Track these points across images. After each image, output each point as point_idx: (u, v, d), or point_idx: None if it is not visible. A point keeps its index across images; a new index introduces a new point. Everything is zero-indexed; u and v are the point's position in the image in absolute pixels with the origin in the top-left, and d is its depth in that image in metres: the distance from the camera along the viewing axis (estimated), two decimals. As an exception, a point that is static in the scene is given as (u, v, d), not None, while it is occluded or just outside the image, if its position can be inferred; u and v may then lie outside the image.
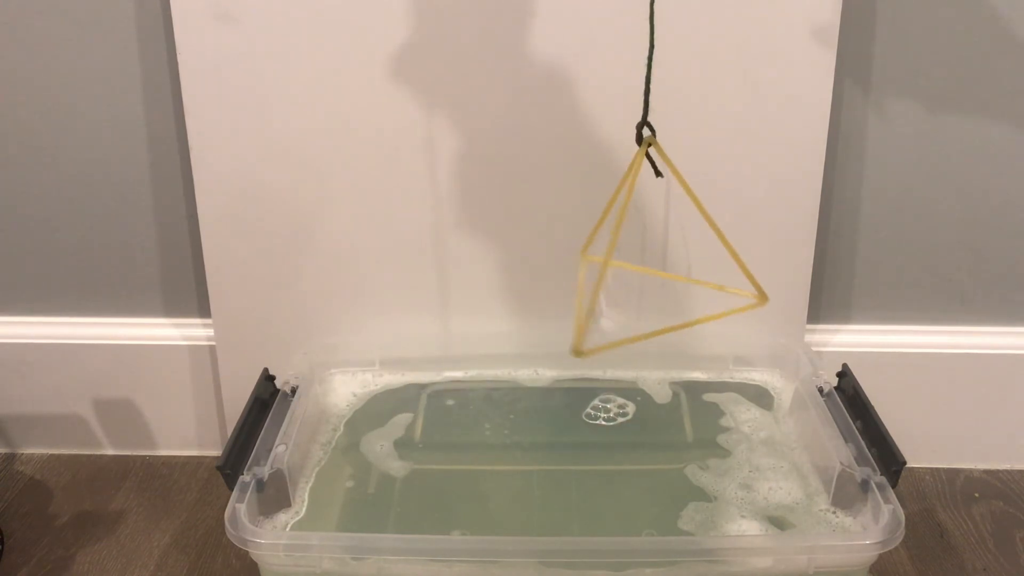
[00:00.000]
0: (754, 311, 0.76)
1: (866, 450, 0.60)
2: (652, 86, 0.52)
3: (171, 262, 0.80)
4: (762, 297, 0.54)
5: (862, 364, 0.69)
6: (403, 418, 0.70)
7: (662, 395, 0.73)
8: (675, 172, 0.54)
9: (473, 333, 0.76)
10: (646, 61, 0.51)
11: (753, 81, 0.68)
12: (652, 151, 0.54)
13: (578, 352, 0.50)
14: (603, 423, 0.70)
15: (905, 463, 0.57)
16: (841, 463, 0.58)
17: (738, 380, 0.74)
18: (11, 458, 0.85)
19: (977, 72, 0.70)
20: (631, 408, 0.71)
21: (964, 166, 0.73)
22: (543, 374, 0.75)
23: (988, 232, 0.76)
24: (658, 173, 0.56)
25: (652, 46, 0.51)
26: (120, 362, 0.81)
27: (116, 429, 0.84)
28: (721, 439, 0.67)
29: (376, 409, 0.71)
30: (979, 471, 0.82)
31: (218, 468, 0.58)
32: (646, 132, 0.53)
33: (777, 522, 0.59)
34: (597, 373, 0.75)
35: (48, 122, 0.74)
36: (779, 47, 0.67)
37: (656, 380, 0.74)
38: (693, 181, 0.69)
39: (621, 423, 0.70)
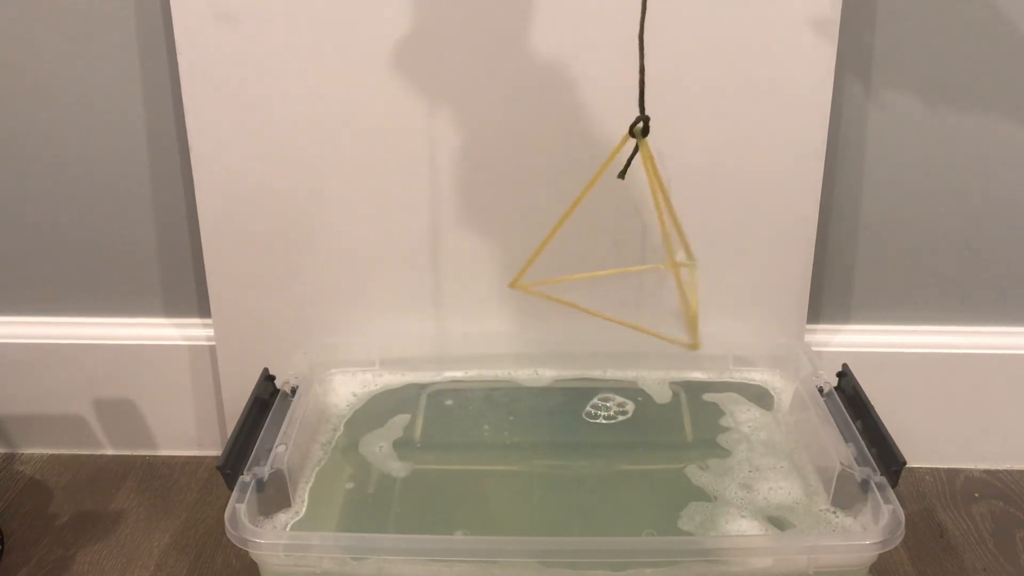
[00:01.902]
0: (754, 311, 0.76)
1: (866, 450, 0.60)
2: (651, 86, 0.52)
3: (171, 262, 0.80)
4: (693, 346, 0.56)
5: (862, 364, 0.69)
6: (403, 418, 0.70)
7: (662, 395, 0.73)
8: (651, 167, 0.55)
9: (473, 333, 0.76)
10: (638, 57, 0.51)
11: (753, 81, 0.68)
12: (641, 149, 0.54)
13: (514, 285, 0.57)
14: (603, 421, 0.70)
15: (905, 463, 0.57)
16: (841, 463, 0.58)
17: (738, 380, 0.74)
18: (11, 458, 0.85)
19: (978, 71, 0.70)
20: (630, 406, 0.71)
21: (964, 165, 0.73)
22: (543, 374, 0.75)
23: (988, 232, 0.76)
24: (622, 175, 0.56)
25: (642, 46, 0.51)
26: (120, 362, 0.81)
27: (116, 429, 0.84)
28: (721, 439, 0.67)
29: (376, 409, 0.71)
30: (979, 471, 0.82)
31: (218, 468, 0.58)
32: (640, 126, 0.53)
33: (777, 522, 0.59)
34: (597, 373, 0.75)
35: (48, 122, 0.74)
36: (779, 45, 0.67)
37: (656, 380, 0.74)
38: (693, 180, 0.69)
39: (621, 421, 0.70)
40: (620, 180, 0.57)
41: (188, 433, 0.84)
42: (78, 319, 0.82)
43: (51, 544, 0.74)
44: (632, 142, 0.54)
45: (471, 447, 0.69)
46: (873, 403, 0.63)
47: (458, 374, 0.75)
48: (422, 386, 0.74)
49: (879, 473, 0.57)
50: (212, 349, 0.80)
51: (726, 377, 0.74)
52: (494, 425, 0.70)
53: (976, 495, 0.79)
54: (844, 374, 0.67)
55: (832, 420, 0.63)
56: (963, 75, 0.71)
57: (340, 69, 0.68)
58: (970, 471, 0.82)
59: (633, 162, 0.56)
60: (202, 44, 0.68)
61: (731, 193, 0.71)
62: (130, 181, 0.76)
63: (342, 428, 0.69)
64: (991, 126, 0.72)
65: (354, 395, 0.73)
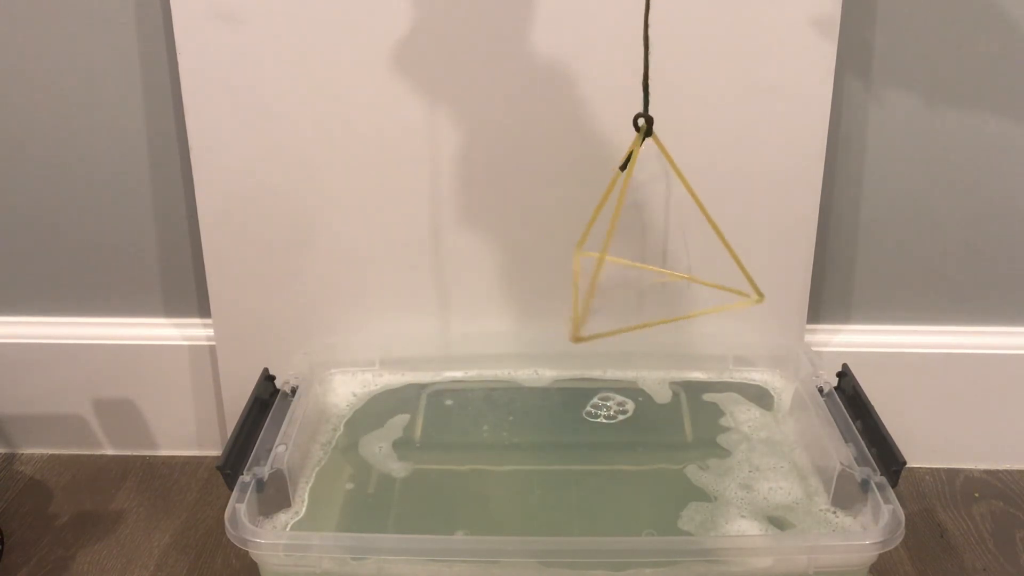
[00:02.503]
0: (754, 310, 0.76)
1: (866, 450, 0.60)
2: (652, 85, 0.52)
3: (171, 262, 0.80)
4: (759, 296, 0.55)
5: (862, 364, 0.69)
6: (403, 418, 0.70)
7: (662, 395, 0.73)
8: (671, 162, 0.55)
9: (473, 333, 0.76)
10: (643, 54, 0.51)
11: (753, 81, 0.68)
12: (650, 142, 0.54)
13: (577, 338, 0.51)
14: (603, 421, 0.70)
15: (905, 463, 0.57)
16: (841, 463, 0.58)
17: (738, 380, 0.74)
18: (11, 458, 0.85)
19: (978, 71, 0.70)
20: (631, 406, 0.71)
21: (965, 165, 0.73)
22: (543, 374, 0.75)
23: (988, 232, 0.76)
24: (622, 168, 0.56)
25: (647, 44, 0.51)
26: (120, 362, 0.81)
27: (116, 429, 0.84)
28: (721, 439, 0.67)
29: (376, 409, 0.71)
30: (979, 471, 0.82)
31: (218, 468, 0.58)
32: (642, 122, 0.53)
33: (777, 522, 0.59)
34: (597, 373, 0.75)
35: (48, 122, 0.74)
36: (779, 45, 0.67)
37: (656, 380, 0.74)
38: (693, 181, 0.69)
39: (621, 421, 0.70)
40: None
41: (188, 433, 0.84)
42: (78, 319, 0.82)
43: (51, 544, 0.74)
44: (645, 139, 0.54)
45: (471, 447, 0.69)
46: (873, 403, 0.63)
47: (458, 374, 0.75)
48: (422, 386, 0.74)
49: (879, 473, 0.57)
50: (212, 349, 0.80)
51: (726, 377, 0.74)
52: (494, 425, 0.70)
53: (976, 495, 0.79)
54: (844, 374, 0.67)
55: (832, 420, 0.63)
56: (963, 75, 0.71)
57: (340, 69, 0.68)
58: (970, 471, 0.82)
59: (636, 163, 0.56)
60: (202, 44, 0.68)
61: (731, 193, 0.71)
62: (130, 181, 0.76)
63: (342, 428, 0.69)
64: (991, 126, 0.72)
65: (354, 395, 0.73)
